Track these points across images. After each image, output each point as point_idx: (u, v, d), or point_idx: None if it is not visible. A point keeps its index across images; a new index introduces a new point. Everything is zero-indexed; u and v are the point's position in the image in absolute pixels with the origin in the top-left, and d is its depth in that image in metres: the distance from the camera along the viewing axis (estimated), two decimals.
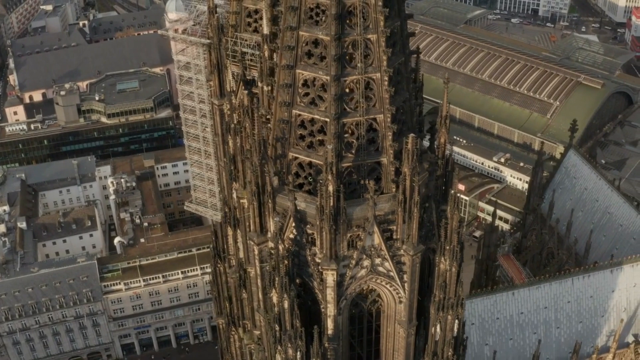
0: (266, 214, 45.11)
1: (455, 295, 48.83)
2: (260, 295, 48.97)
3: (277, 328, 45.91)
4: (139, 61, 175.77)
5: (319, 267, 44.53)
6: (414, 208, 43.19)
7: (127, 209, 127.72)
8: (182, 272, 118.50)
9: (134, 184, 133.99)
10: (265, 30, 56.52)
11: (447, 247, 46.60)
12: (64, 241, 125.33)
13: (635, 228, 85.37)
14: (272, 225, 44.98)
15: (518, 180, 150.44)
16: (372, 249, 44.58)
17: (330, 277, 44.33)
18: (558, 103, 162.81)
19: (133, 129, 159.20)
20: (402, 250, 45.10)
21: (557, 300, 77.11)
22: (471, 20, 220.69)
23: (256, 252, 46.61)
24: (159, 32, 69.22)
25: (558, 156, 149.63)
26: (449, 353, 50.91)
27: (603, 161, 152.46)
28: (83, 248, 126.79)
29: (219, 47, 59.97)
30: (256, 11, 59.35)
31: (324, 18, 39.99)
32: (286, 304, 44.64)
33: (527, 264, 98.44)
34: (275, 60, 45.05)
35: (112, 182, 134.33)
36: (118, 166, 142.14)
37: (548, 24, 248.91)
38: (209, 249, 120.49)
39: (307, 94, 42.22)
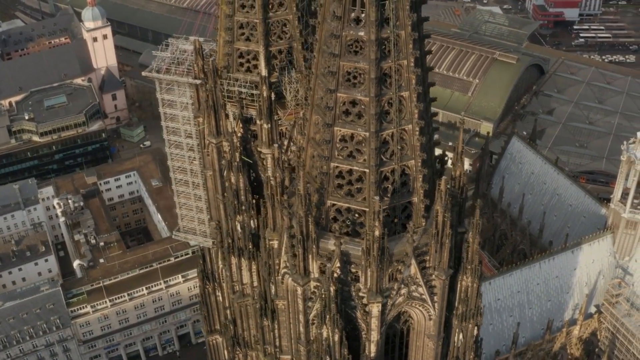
0: (309, 258, 48.73)
1: (475, 307, 54.17)
2: (302, 329, 52.67)
3: (328, 358, 49.98)
4: (60, 73, 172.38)
5: (363, 301, 48.78)
6: (445, 239, 47.98)
7: (80, 230, 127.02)
8: (146, 288, 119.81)
9: (81, 203, 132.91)
10: (263, 72, 59.80)
11: (469, 267, 51.75)
12: (20, 269, 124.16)
13: (585, 207, 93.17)
14: (315, 268, 48.90)
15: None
16: (409, 278, 49.13)
17: (375, 309, 48.69)
18: (477, 81, 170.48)
19: (66, 145, 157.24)
20: (434, 276, 49.85)
21: (527, 283, 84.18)
22: None
23: (299, 292, 50.22)
24: (143, 73, 69.81)
25: (484, 132, 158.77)
26: (471, 356, 56.38)
27: (524, 132, 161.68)
28: (39, 274, 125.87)
29: (215, 88, 62.30)
30: (248, 52, 62.10)
31: (361, 80, 43.60)
32: (336, 337, 48.86)
33: (483, 247, 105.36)
34: (304, 114, 48.33)
35: (58, 204, 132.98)
36: (60, 186, 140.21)
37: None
38: (170, 262, 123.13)
39: (345, 148, 45.88)
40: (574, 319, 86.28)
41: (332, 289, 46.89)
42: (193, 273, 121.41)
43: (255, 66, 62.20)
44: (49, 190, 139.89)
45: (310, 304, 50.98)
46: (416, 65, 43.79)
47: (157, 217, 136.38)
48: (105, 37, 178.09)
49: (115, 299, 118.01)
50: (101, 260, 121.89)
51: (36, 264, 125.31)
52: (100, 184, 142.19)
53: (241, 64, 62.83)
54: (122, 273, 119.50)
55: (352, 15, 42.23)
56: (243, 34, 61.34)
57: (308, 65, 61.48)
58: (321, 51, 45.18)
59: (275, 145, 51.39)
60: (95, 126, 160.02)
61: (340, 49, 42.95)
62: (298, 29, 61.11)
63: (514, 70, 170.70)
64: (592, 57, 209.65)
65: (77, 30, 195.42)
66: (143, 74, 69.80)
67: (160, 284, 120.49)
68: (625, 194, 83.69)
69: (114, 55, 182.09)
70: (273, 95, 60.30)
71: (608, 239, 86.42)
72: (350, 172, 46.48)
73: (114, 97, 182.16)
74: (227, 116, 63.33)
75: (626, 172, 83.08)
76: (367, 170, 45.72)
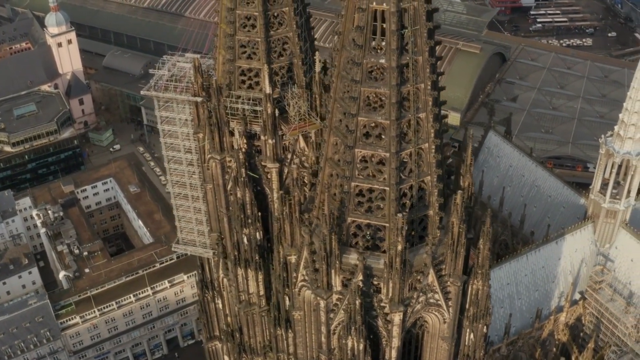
0: (332, 272, 50.84)
1: (485, 308, 57.02)
2: (323, 339, 54.84)
3: None
4: (25, 80, 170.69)
5: (384, 310, 51.16)
6: (461, 249, 50.59)
7: (62, 240, 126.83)
8: (134, 295, 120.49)
9: (61, 213, 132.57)
10: (267, 89, 61.42)
11: (480, 271, 54.53)
12: (4, 283, 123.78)
13: (564, 198, 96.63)
14: (338, 282, 51.08)
15: None
16: (427, 286, 51.65)
17: (397, 318, 51.19)
18: (442, 72, 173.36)
19: (39, 153, 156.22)
20: (449, 283, 52.46)
21: (516, 275, 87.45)
22: None
23: (322, 305, 52.34)
24: (142, 92, 70.45)
25: (451, 123, 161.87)
26: (481, 354, 59.33)
27: (492, 122, 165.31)
28: (23, 286, 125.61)
29: (218, 106, 63.73)
30: (250, 69, 63.64)
31: (381, 104, 45.70)
32: (361, 347, 51.22)
33: None
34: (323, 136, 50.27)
35: (37, 215, 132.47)
36: (37, 196, 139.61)
37: None
38: (155, 268, 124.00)
39: (365, 168, 48.01)
40: (560, 306, 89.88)
41: (357, 302, 49.14)
42: (179, 278, 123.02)
43: (257, 83, 63.79)
44: (26, 201, 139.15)
45: (331, 315, 53.19)
46: (433, 88, 46.10)
47: (138, 223, 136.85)
48: (69, 42, 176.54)
49: (104, 308, 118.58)
50: (86, 270, 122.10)
51: (20, 276, 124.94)
52: (78, 192, 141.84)
53: (243, 82, 64.34)
54: (108, 282, 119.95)
55: (373, 43, 44.28)
56: (245, 52, 62.87)
57: (308, 80, 63.56)
58: (340, 76, 47.12)
59: (294, 166, 53.17)
60: (66, 133, 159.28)
61: (361, 75, 44.95)
62: (298, 46, 62.84)
63: (478, 60, 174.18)
64: (550, 41, 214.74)
65: (37, 34, 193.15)
66: (142, 92, 70.61)
67: (147, 290, 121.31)
68: (604, 185, 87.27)
69: (79, 60, 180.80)
70: (276, 112, 62.15)
71: (589, 228, 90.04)
72: (370, 190, 48.65)
73: (81, 102, 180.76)
74: (232, 133, 64.78)
75: (604, 164, 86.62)
76: (387, 189, 47.93)
